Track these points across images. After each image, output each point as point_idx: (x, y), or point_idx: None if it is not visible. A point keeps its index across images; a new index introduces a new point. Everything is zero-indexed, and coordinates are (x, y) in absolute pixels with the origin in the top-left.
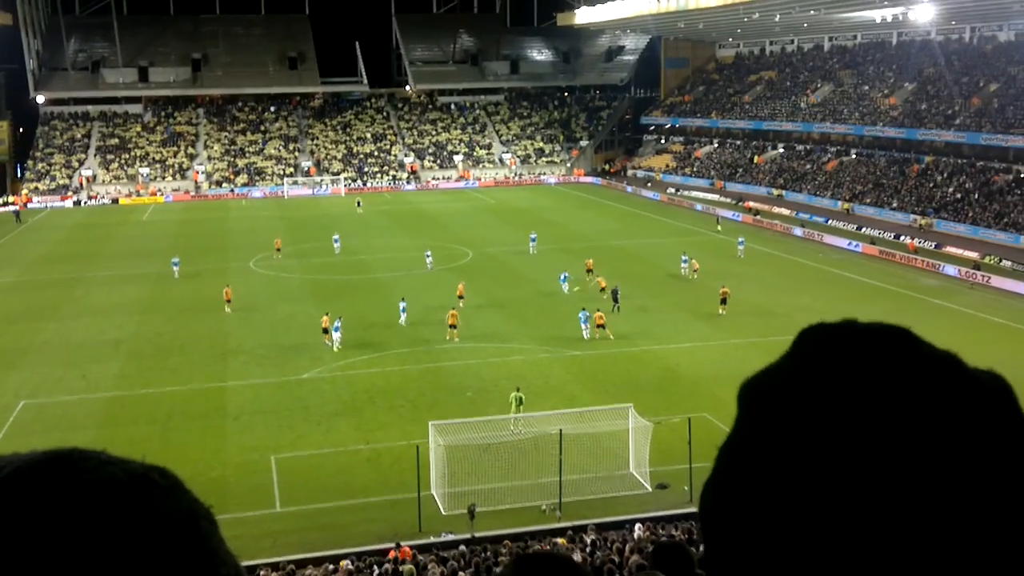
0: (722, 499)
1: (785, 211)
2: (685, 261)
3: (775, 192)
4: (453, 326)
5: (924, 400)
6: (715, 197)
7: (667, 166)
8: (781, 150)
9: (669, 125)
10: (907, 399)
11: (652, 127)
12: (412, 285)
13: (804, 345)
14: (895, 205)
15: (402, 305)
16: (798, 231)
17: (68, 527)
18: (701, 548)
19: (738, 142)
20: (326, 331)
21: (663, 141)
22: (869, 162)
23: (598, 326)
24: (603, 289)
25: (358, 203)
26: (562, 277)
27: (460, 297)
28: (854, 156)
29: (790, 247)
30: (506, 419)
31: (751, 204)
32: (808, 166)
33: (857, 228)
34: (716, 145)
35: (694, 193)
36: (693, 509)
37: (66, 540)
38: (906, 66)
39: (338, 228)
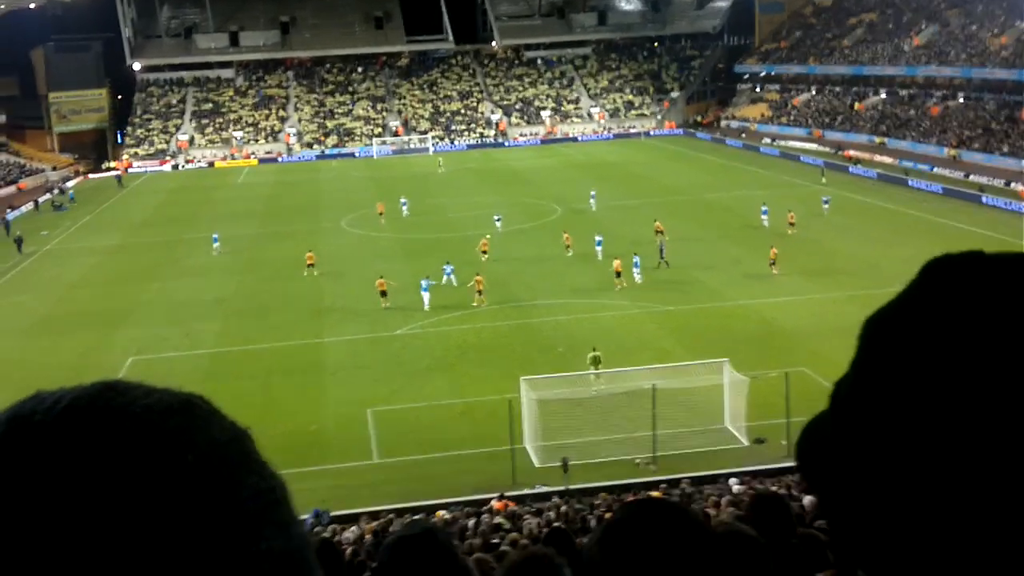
0: (842, 434)
1: (888, 159)
2: (765, 212)
3: (877, 140)
4: (480, 291)
5: None
6: (813, 147)
7: (762, 115)
8: (883, 96)
9: (764, 73)
10: None
11: (746, 76)
12: (499, 242)
13: (930, 276)
14: (1006, 150)
15: (447, 268)
16: (901, 179)
17: (137, 447)
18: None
19: (837, 88)
20: (384, 294)
21: (758, 90)
22: (978, 106)
23: (616, 274)
24: (660, 232)
25: (439, 163)
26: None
27: (484, 252)
28: (961, 100)
29: (892, 196)
30: (594, 374)
31: (851, 153)
32: (912, 112)
33: (965, 175)
34: (814, 92)
35: (791, 143)
36: (791, 463)
37: (137, 458)
38: (1018, 3)
39: (424, 187)
